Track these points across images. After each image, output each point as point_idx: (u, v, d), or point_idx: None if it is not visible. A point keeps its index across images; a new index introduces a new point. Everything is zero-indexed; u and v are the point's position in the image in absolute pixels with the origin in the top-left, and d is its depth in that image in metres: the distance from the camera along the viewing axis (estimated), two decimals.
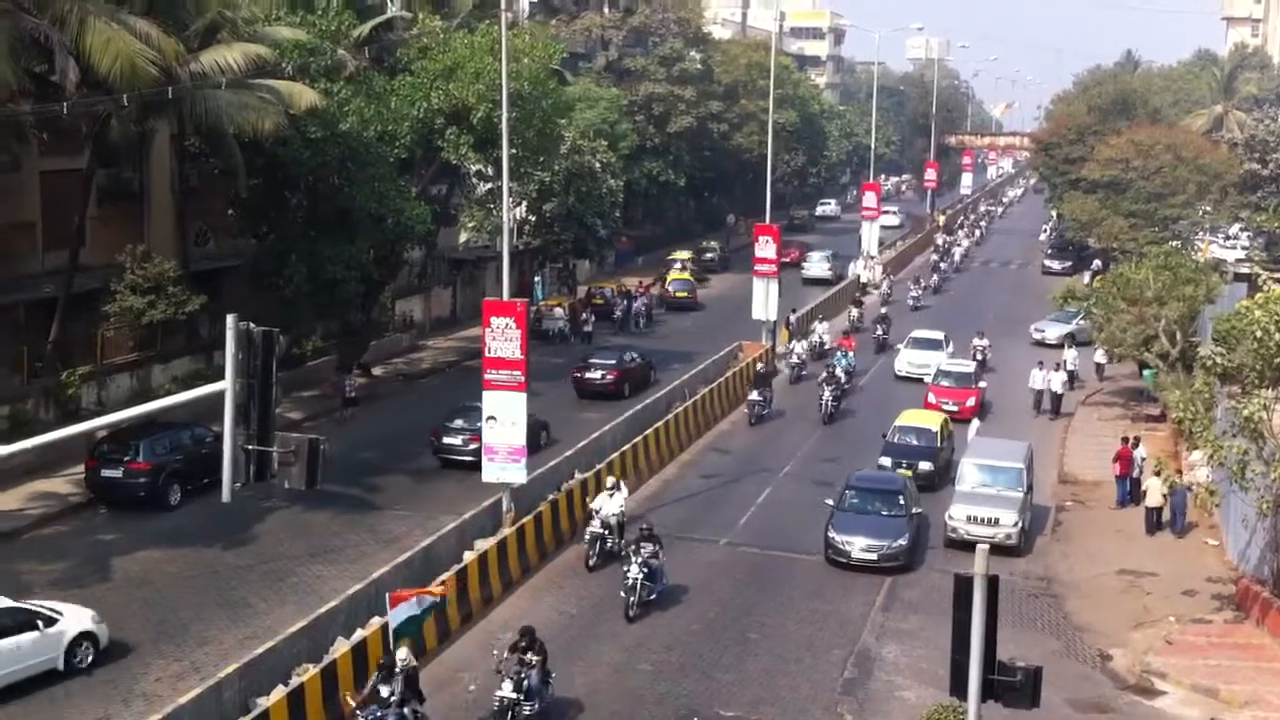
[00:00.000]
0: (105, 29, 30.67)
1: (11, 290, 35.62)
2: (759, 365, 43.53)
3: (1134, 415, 42.52)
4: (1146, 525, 31.85)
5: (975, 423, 38.99)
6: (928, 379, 44.14)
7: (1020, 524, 29.35)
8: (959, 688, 15.00)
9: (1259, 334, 26.26)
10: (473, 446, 31.91)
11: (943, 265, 78.09)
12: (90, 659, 22.09)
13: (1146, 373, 42.82)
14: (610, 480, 28.77)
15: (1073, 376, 45.48)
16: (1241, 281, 51.64)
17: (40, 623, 21.46)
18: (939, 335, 50.38)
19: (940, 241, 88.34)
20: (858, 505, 29.24)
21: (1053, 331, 55.36)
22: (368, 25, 43.66)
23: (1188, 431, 30.52)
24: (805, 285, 70.20)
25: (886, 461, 34.14)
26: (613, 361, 44.00)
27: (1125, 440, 34.28)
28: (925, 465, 34.13)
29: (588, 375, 43.28)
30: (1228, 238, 73.07)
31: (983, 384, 43.91)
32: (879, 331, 53.63)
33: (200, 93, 33.83)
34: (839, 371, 43.03)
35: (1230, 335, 27.73)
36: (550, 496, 29.41)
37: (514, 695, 20.04)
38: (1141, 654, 24.37)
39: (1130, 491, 33.40)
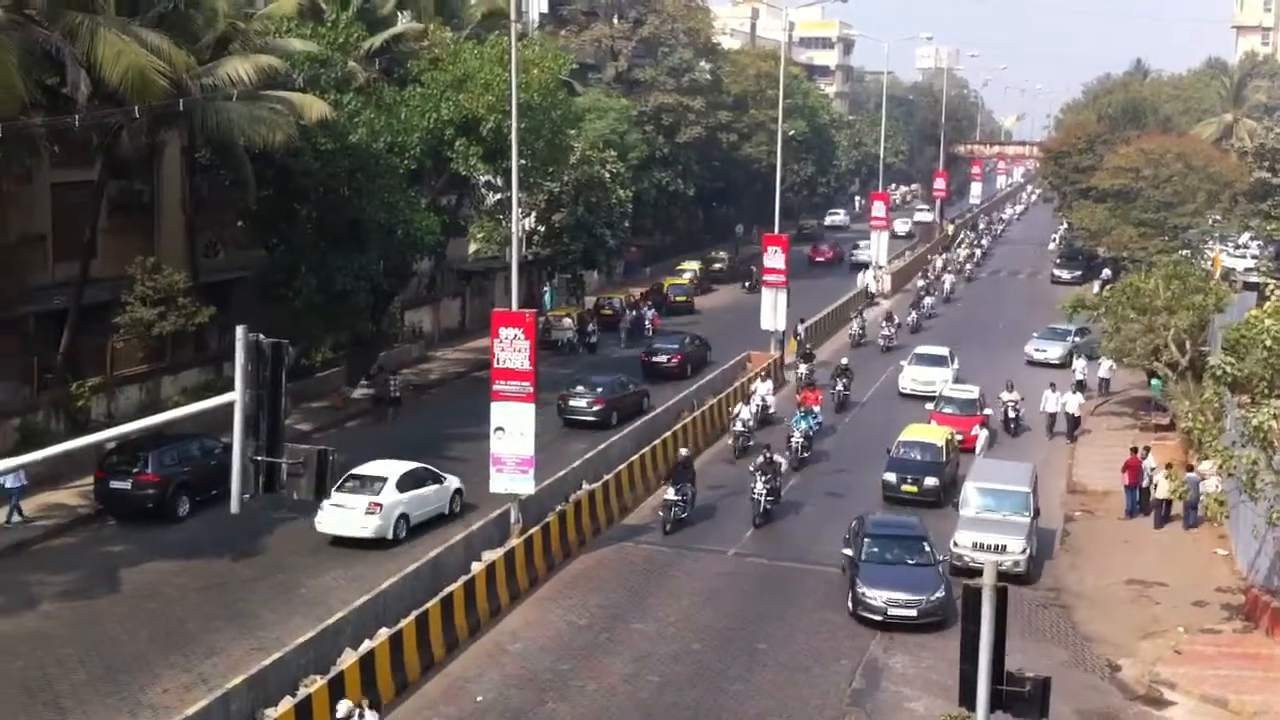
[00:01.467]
0: (116, 41, 30.83)
1: (22, 302, 35.74)
2: (682, 451, 33.26)
3: (1143, 425, 42.39)
4: (1155, 520, 32.33)
5: (984, 434, 38.71)
6: (930, 405, 41.53)
7: (1028, 550, 28.46)
8: (968, 698, 14.99)
9: (1269, 343, 26.22)
10: (596, 408, 40.38)
11: (927, 300, 67.23)
12: (459, 508, 31.21)
13: (1154, 382, 42.72)
14: (343, 707, 19.08)
15: (1082, 386, 44.88)
16: (1251, 290, 51.56)
17: (441, 480, 31.00)
18: (944, 351, 49.18)
19: (940, 263, 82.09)
20: (879, 555, 26.78)
21: (1054, 350, 52.72)
22: (378, 37, 43.82)
23: (1197, 441, 30.53)
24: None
25: (891, 477, 33.82)
26: (675, 346, 50.12)
27: (1134, 450, 34.20)
28: (931, 481, 33.68)
29: (655, 359, 48.96)
30: (1238, 246, 72.98)
31: (987, 411, 40.91)
32: (839, 386, 44.78)
33: (211, 105, 33.97)
34: (778, 456, 33.56)
35: (1240, 344, 27.68)
36: (558, 508, 29.43)
37: None
38: (1150, 664, 24.29)
39: (1140, 501, 33.34)
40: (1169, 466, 32.13)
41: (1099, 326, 46.51)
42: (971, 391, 42.07)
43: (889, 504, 33.29)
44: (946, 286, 74.33)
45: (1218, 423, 29.07)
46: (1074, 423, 41.76)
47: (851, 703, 22.55)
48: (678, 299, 65.07)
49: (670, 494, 31.15)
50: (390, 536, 29.20)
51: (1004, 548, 28.02)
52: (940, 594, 25.74)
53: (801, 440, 37.08)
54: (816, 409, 39.53)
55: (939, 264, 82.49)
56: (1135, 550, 30.94)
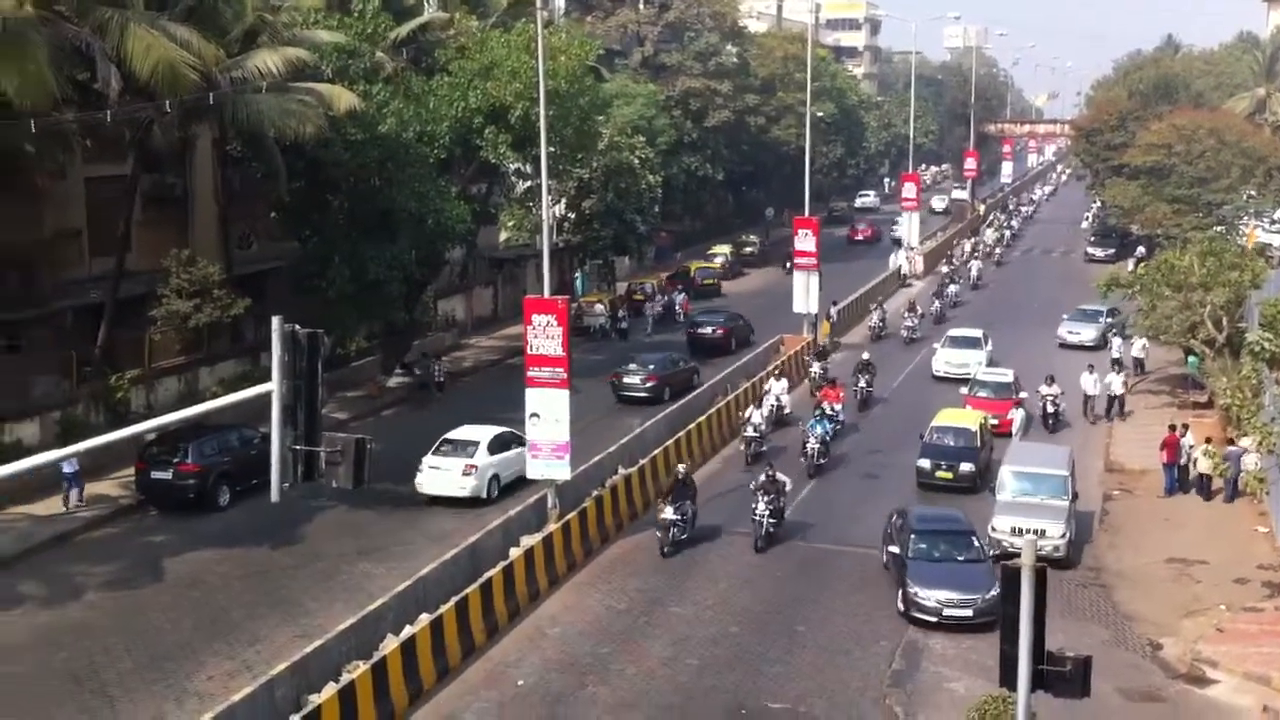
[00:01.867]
0: (145, 35, 30.95)
1: (59, 296, 36.07)
2: (680, 467, 30.02)
3: (1180, 403, 42.08)
4: (1198, 490, 32.49)
5: (1020, 417, 38.29)
6: (964, 389, 40.94)
7: (1068, 535, 28.08)
8: (1008, 678, 14.93)
9: None
10: (649, 385, 42.00)
11: (951, 288, 63.58)
12: None
13: (1191, 359, 42.40)
14: None
15: (1119, 364, 44.47)
16: None
17: (525, 444, 29.75)
18: (977, 333, 48.66)
19: (968, 247, 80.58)
20: (926, 552, 25.77)
21: (1087, 333, 52.01)
22: (405, 27, 43.90)
23: (1236, 418, 30.28)
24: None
25: (925, 463, 33.50)
26: (721, 319, 52.37)
27: (1172, 428, 33.91)
28: (966, 466, 33.29)
29: (700, 330, 51.38)
30: (1273, 222, 72.22)
31: (1023, 394, 39.74)
32: (861, 383, 42.29)
33: (241, 98, 34.09)
34: (781, 474, 29.76)
35: (1278, 320, 27.43)
36: (595, 492, 29.49)
37: None
38: (1192, 642, 24.14)
39: (1178, 479, 33.13)
40: (1208, 441, 31.96)
41: (1132, 305, 46.14)
42: (1006, 375, 41.52)
43: (923, 490, 33.16)
44: (974, 273, 71.08)
45: (1256, 399, 28.81)
46: (1118, 403, 41.34)
47: (892, 684, 22.52)
48: (705, 282, 65.38)
49: (669, 513, 28.33)
50: (485, 496, 31.20)
51: (1043, 532, 27.44)
52: (994, 592, 22.90)
53: (818, 446, 34.54)
54: (838, 407, 37.49)
55: (966, 248, 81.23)
56: (1175, 528, 30.75)
